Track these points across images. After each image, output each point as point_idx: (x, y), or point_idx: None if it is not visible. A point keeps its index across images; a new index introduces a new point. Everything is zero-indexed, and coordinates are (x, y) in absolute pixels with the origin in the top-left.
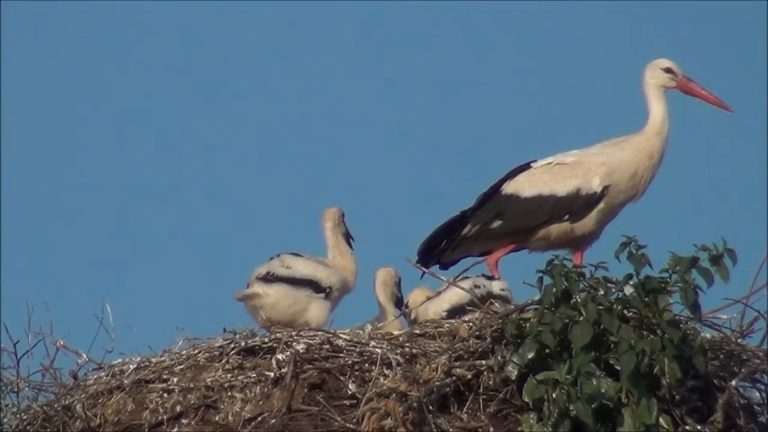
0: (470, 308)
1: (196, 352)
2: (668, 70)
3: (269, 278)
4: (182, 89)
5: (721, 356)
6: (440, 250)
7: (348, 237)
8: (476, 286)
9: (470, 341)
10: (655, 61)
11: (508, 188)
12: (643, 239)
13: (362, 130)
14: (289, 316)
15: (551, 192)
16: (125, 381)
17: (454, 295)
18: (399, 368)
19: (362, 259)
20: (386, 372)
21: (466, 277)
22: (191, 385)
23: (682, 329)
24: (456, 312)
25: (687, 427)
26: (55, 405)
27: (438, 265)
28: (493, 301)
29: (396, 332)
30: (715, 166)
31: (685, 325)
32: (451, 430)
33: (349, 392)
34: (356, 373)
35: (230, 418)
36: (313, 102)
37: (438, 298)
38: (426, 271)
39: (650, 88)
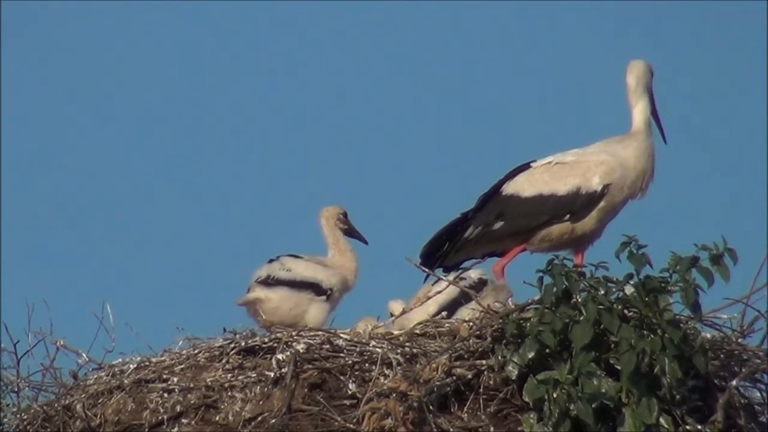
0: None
1: (196, 352)
2: (652, 74)
3: (270, 282)
4: (182, 89)
5: (722, 356)
6: (443, 253)
7: (358, 236)
8: (461, 279)
9: (470, 341)
10: (643, 60)
11: (509, 189)
12: (643, 239)
13: (362, 130)
14: (291, 318)
15: (551, 192)
16: (125, 381)
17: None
18: (399, 368)
19: (363, 259)
20: (386, 372)
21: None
22: (191, 385)
23: (682, 329)
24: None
25: (687, 427)
26: (55, 405)
27: (441, 269)
28: (494, 303)
29: (396, 332)
30: (715, 166)
31: (685, 325)
32: (451, 429)
33: (350, 392)
34: (356, 372)
35: (230, 417)
36: (313, 102)
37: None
38: (427, 271)
39: (640, 86)
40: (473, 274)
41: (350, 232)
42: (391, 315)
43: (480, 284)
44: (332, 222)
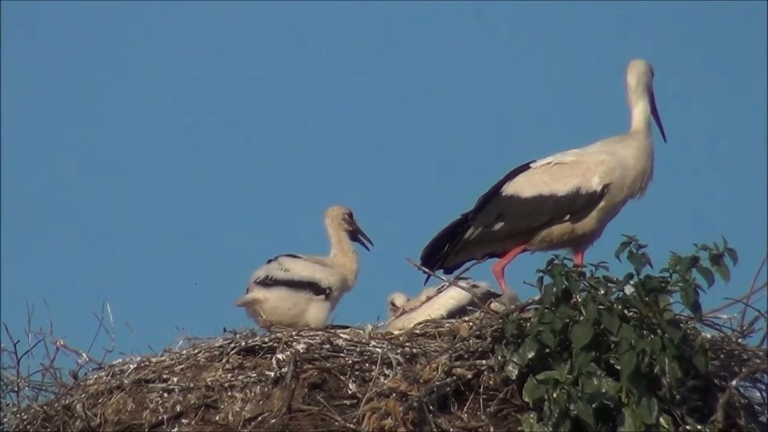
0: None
1: (196, 351)
2: (653, 74)
3: (268, 282)
4: (182, 89)
5: (722, 356)
6: (443, 254)
7: (363, 237)
8: (475, 285)
9: (470, 341)
10: (644, 60)
11: (509, 189)
12: (643, 239)
13: (362, 131)
14: (290, 318)
15: (551, 192)
16: (125, 381)
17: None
18: (399, 368)
19: (363, 260)
20: (386, 372)
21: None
22: (191, 385)
23: (682, 329)
24: None
25: (687, 427)
26: (55, 405)
27: (442, 270)
28: (493, 300)
29: (396, 332)
30: (716, 166)
31: (685, 325)
32: (451, 429)
33: (350, 392)
34: (356, 372)
35: (230, 417)
36: (313, 102)
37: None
38: (428, 272)
39: (640, 85)
40: (484, 284)
41: (355, 233)
42: (393, 305)
43: (488, 295)
44: (337, 222)
